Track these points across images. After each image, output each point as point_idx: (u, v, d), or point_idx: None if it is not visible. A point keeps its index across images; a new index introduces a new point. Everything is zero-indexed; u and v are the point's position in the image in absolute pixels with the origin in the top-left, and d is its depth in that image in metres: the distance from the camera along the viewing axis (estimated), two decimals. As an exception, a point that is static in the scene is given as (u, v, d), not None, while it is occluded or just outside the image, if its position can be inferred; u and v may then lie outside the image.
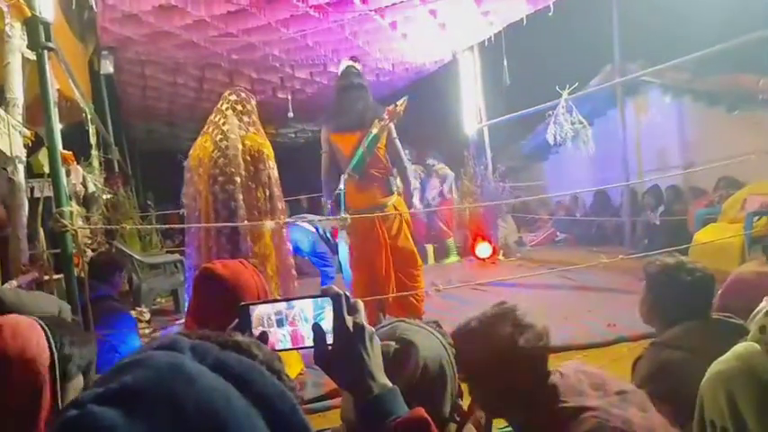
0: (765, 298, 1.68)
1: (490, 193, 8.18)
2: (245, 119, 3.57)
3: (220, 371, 0.53)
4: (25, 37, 3.02)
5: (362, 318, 0.91)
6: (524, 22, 6.56)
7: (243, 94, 3.66)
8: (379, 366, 0.91)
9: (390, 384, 0.91)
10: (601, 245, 8.39)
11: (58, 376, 1.16)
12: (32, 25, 2.83)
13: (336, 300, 0.88)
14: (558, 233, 9.83)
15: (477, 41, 7.95)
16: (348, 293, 0.91)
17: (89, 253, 4.03)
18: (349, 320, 0.89)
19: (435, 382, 1.24)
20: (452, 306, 5.28)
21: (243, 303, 0.88)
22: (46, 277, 3.26)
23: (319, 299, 0.89)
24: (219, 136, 3.44)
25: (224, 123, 3.48)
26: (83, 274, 2.95)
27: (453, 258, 8.41)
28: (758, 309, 1.65)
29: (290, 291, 3.56)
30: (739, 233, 4.95)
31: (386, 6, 5.92)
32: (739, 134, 6.75)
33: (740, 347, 1.57)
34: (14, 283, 2.86)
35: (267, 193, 3.50)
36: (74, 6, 4.79)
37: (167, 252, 7.22)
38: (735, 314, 2.04)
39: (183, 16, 5.56)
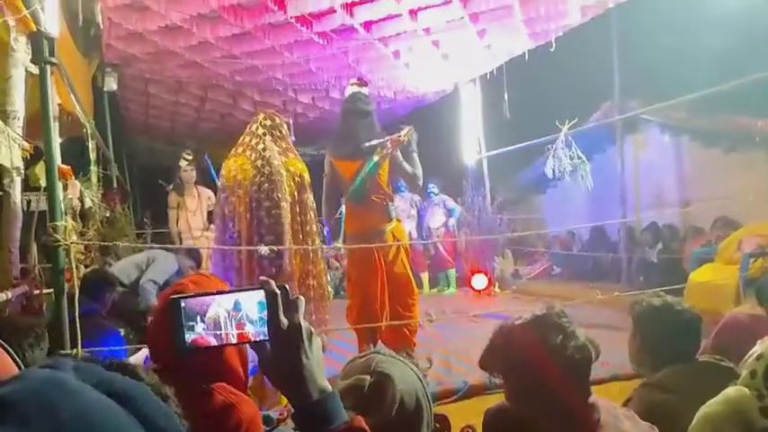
0: (759, 342, 1.66)
1: (488, 223, 8.18)
2: (283, 144, 3.62)
3: (103, 388, 0.51)
4: (29, 51, 3.04)
5: (300, 316, 0.85)
6: (526, 57, 6.63)
7: (278, 119, 3.69)
8: (319, 368, 0.85)
9: (330, 388, 0.86)
10: (597, 280, 8.34)
11: None
12: (37, 40, 2.85)
13: (270, 296, 0.83)
14: (554, 267, 9.80)
15: (478, 74, 8.03)
16: (288, 288, 0.85)
17: (81, 269, 4.01)
18: (284, 318, 0.83)
19: (412, 416, 1.21)
20: (445, 337, 5.24)
21: (173, 297, 0.84)
22: (36, 291, 3.24)
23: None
24: (260, 161, 3.45)
25: (264, 149, 3.48)
26: (74, 290, 2.93)
27: (452, 290, 8.35)
28: (750, 353, 1.63)
29: (324, 310, 3.64)
30: (735, 274, 4.92)
31: (389, 36, 5.99)
32: (736, 174, 6.78)
33: (730, 391, 1.55)
34: (3, 296, 2.84)
35: (309, 216, 3.58)
36: (80, 23, 4.83)
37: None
38: (727, 355, 2.02)
39: (188, 37, 5.61)
